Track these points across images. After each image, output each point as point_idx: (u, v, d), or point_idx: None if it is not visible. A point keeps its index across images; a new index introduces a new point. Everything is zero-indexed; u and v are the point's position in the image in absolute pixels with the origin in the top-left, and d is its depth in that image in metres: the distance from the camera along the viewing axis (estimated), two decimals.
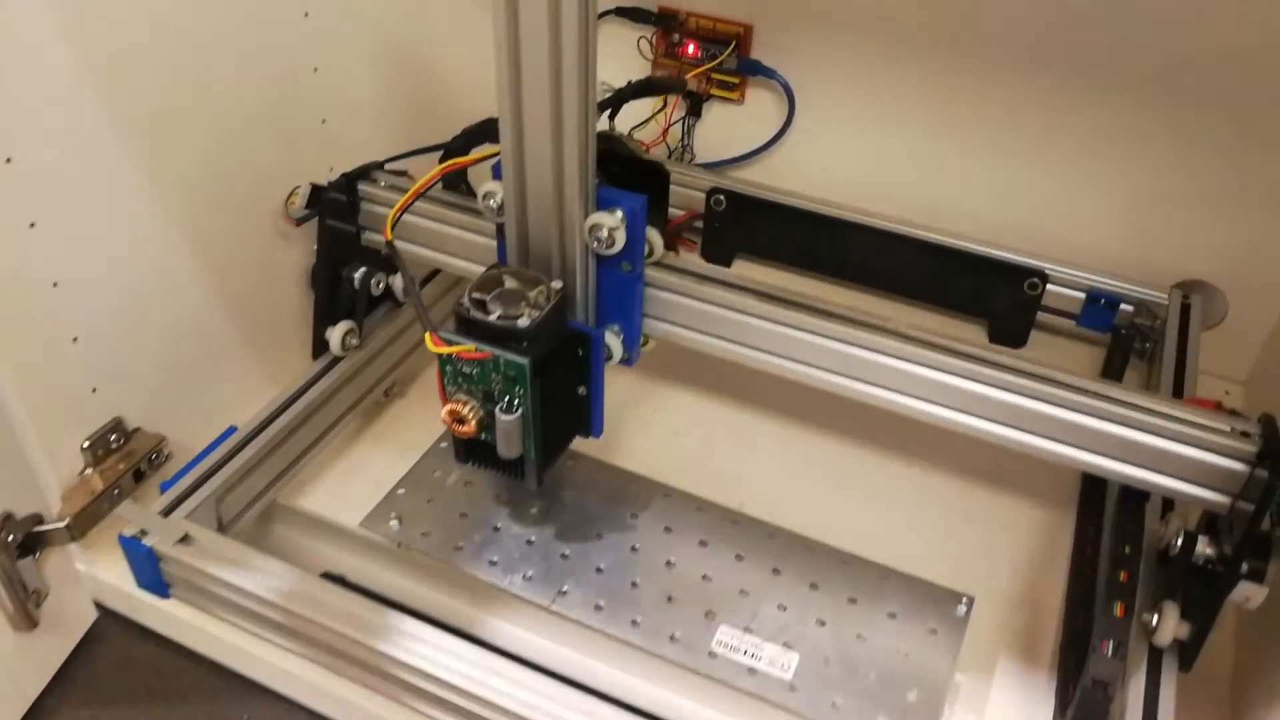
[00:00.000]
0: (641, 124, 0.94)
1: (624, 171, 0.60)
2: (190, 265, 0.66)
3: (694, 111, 0.93)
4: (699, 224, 0.93)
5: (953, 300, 0.87)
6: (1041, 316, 0.84)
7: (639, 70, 0.93)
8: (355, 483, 0.71)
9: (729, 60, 0.87)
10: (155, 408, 0.66)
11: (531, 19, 0.49)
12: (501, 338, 0.53)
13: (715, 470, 0.73)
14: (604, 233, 0.55)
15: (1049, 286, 0.82)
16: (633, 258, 0.58)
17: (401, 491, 0.68)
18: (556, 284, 0.56)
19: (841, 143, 0.89)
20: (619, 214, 0.55)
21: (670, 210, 0.93)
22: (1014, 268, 0.83)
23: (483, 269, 0.56)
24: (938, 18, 0.80)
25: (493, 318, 0.53)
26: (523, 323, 0.53)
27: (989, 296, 0.85)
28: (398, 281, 0.73)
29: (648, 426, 0.77)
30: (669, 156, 0.96)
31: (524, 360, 0.53)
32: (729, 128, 0.93)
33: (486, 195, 0.58)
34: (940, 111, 0.84)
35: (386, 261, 0.71)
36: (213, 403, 0.69)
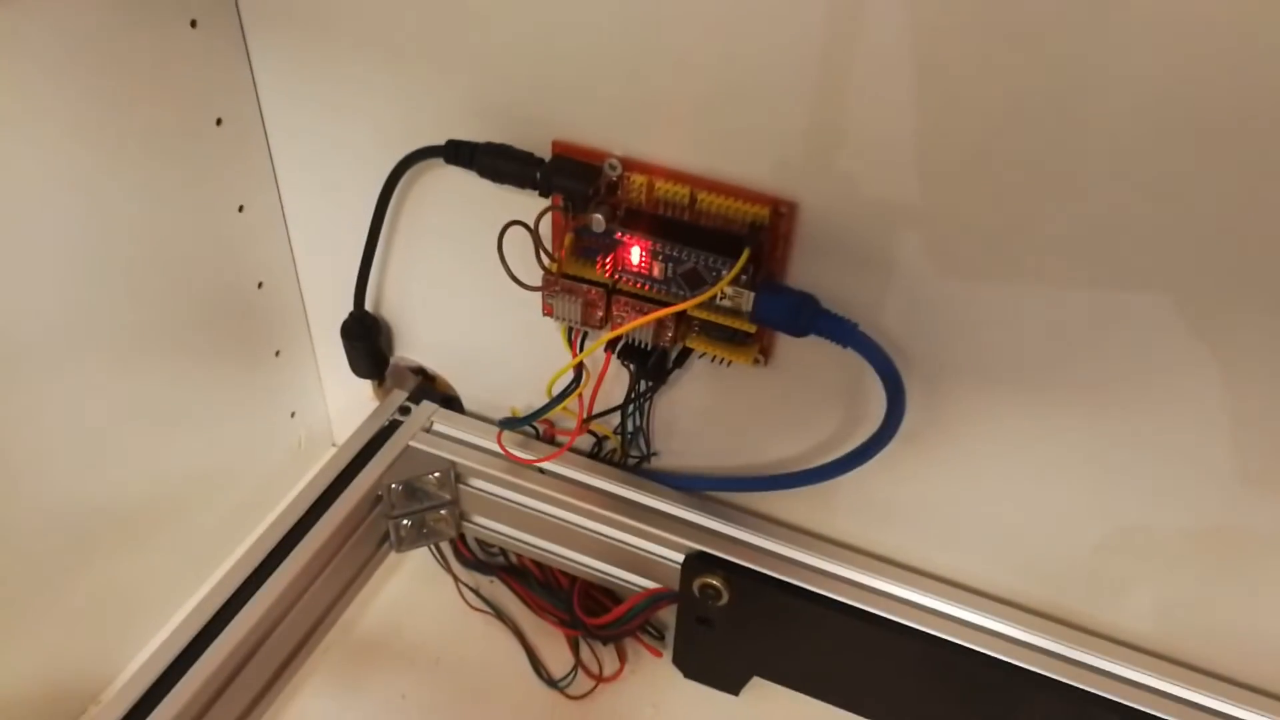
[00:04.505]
0: (527, 418, 0.40)
1: None
2: None
3: (650, 374, 0.39)
4: (670, 604, 0.40)
5: None
6: None
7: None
8: None
9: (735, 294, 0.33)
10: None
11: None
12: None
13: None
14: None
15: None
16: None
17: None
18: None
19: (1002, 482, 0.36)
20: None
21: (596, 574, 0.41)
22: None
23: None
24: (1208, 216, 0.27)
25: None
26: None
27: None
28: None
29: None
30: (595, 453, 0.43)
31: None
32: (727, 410, 0.39)
33: None
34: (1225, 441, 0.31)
35: None
36: None
